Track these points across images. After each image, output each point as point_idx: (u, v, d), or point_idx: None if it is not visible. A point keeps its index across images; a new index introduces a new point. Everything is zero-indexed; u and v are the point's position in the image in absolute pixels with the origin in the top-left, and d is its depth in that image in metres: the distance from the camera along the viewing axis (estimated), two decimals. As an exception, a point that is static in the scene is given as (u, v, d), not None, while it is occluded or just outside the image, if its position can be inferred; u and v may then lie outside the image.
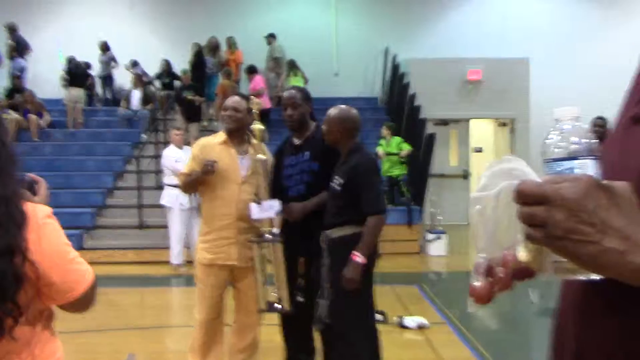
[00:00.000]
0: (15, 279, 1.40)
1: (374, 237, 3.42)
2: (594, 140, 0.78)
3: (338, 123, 3.53)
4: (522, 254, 0.80)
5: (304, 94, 3.89)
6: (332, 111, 3.58)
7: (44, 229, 1.50)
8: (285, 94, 3.90)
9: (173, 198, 8.05)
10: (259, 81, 11.85)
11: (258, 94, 10.29)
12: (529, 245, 0.78)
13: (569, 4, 14.01)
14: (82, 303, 1.59)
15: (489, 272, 0.86)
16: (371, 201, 3.41)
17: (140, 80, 12.52)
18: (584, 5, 13.94)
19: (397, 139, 10.13)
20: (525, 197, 0.73)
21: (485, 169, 0.88)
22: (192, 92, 11.38)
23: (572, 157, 0.77)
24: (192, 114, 11.24)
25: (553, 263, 0.76)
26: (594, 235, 0.69)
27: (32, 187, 1.69)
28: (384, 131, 10.25)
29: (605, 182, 0.72)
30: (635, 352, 0.74)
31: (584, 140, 0.78)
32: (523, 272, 0.83)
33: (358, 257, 3.34)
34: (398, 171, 10.04)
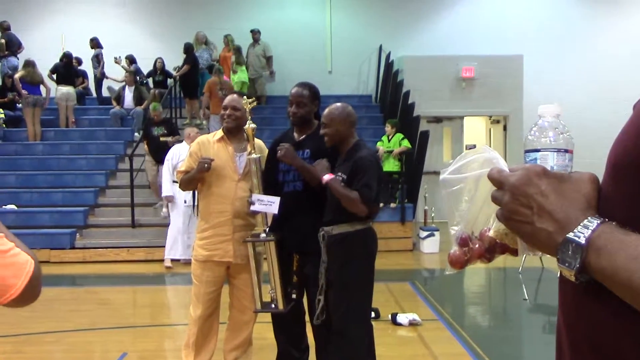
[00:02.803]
0: None
1: (345, 197, 3.34)
2: (566, 135, 0.88)
3: (341, 120, 3.48)
4: (492, 230, 0.93)
5: (312, 92, 3.77)
6: (333, 109, 3.51)
7: None
8: (293, 90, 3.77)
9: (176, 193, 7.99)
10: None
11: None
12: (500, 224, 0.87)
13: (562, 1, 14.03)
14: (25, 299, 1.34)
15: (466, 243, 1.00)
16: (366, 189, 3.35)
17: (135, 78, 12.45)
18: (576, 3, 13.97)
19: (399, 135, 10.09)
20: (491, 182, 0.86)
21: (461, 157, 0.99)
22: (162, 130, 9.57)
23: (536, 149, 0.88)
24: (163, 156, 8.49)
25: (520, 240, 0.87)
26: (530, 216, 0.80)
27: None
28: (387, 128, 10.21)
29: (555, 172, 0.83)
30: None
31: (555, 135, 0.88)
32: (502, 247, 0.97)
33: (326, 177, 3.40)
34: (392, 167, 10.01)
